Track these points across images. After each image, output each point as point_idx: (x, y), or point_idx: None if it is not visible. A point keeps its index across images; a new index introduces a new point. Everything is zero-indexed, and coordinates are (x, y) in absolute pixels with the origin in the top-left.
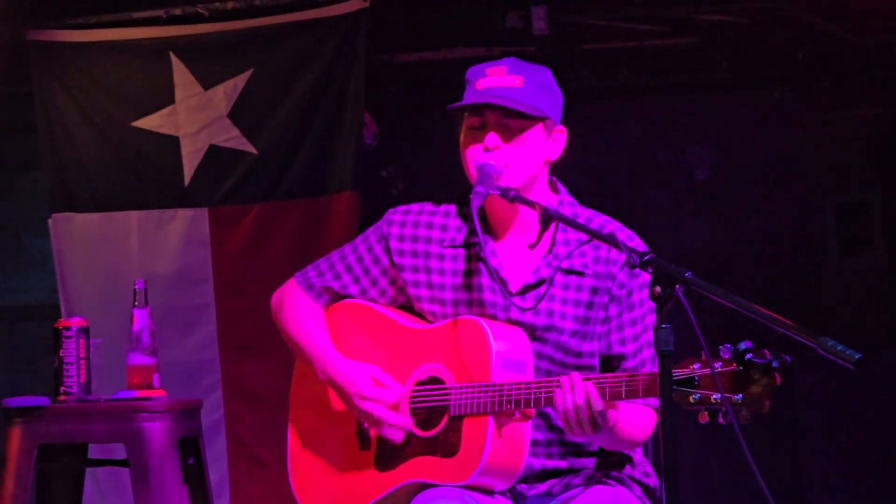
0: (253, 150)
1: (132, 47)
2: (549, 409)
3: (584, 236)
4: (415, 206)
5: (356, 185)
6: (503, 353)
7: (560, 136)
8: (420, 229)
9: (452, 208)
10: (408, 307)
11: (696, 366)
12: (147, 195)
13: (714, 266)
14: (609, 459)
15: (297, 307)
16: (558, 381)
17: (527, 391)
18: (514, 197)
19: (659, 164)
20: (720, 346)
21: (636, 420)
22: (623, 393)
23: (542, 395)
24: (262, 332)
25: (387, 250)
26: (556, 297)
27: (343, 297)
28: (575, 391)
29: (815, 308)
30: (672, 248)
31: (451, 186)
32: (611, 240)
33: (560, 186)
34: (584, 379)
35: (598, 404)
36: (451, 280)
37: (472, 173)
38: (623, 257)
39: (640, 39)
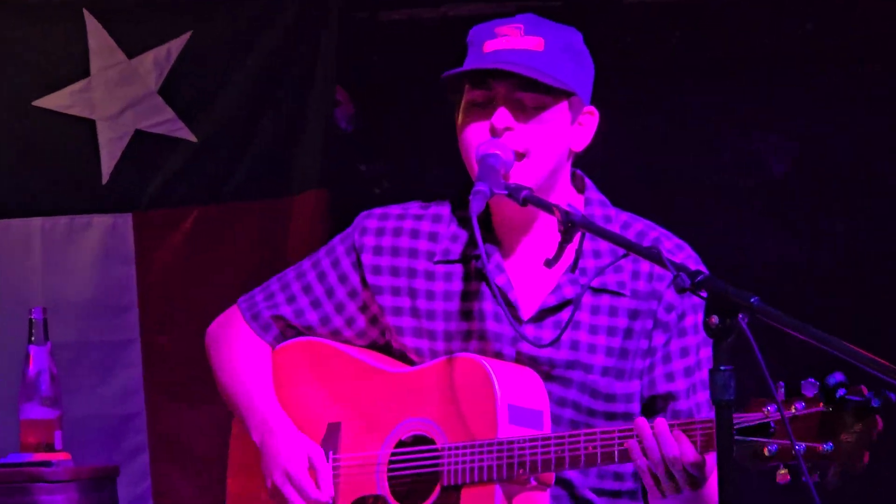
0: (191, 136)
1: (34, 2)
2: (573, 474)
3: (622, 250)
4: (395, 209)
5: (326, 183)
6: (512, 401)
7: (590, 119)
8: (402, 239)
9: (445, 211)
10: (382, 346)
11: (770, 408)
12: (53, 196)
13: (792, 289)
14: None
15: (233, 343)
16: (635, 428)
17: (545, 449)
18: (526, 198)
19: (722, 157)
20: (803, 382)
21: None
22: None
23: (588, 451)
24: (203, 375)
25: (358, 266)
26: (584, 325)
27: (299, 332)
28: (662, 441)
29: None
30: (738, 266)
31: (453, 185)
32: (653, 255)
33: (588, 183)
34: (670, 426)
35: (691, 454)
36: (442, 306)
37: (474, 164)
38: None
39: None
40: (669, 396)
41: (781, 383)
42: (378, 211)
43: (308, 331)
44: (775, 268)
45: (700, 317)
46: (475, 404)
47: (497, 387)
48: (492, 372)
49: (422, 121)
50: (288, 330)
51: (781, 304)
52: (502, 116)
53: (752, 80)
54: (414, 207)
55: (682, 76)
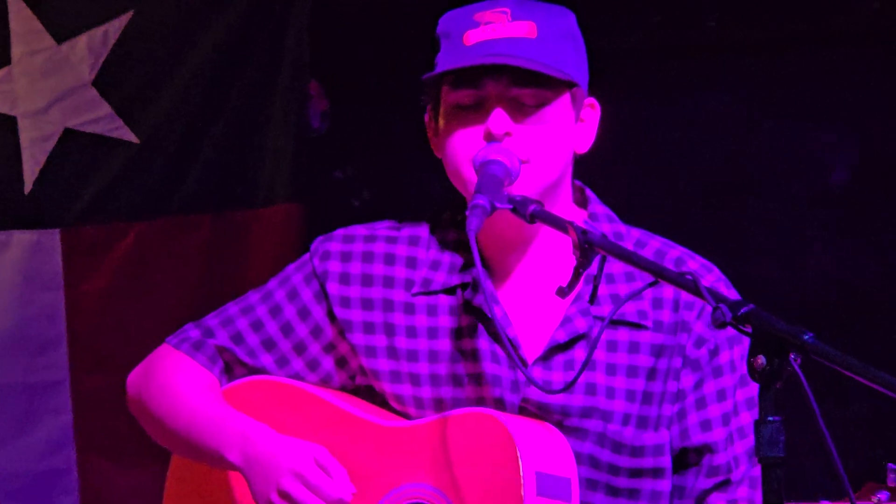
0: (133, 137)
1: None
2: None
3: (641, 273)
4: (360, 230)
5: (297, 194)
6: (540, 467)
7: (591, 114)
8: (375, 265)
9: (423, 232)
10: (351, 391)
11: (881, 496)
12: None
13: (854, 321)
14: None
15: (171, 375)
16: None
17: None
18: (535, 214)
19: (766, 162)
20: None
21: None
22: None
23: None
24: None
25: (323, 297)
26: (600, 364)
27: (249, 372)
28: None
29: None
30: (788, 294)
31: (450, 195)
32: (688, 284)
33: (590, 194)
34: None
35: None
36: (427, 344)
37: (465, 175)
38: (699, 300)
39: None
40: (706, 448)
41: (892, 466)
42: (340, 233)
43: (261, 373)
44: (835, 295)
45: (736, 352)
46: (493, 471)
47: (521, 450)
48: (514, 432)
49: (409, 118)
50: (237, 366)
51: (844, 340)
52: (500, 119)
53: (806, 64)
54: (383, 228)
55: (717, 59)
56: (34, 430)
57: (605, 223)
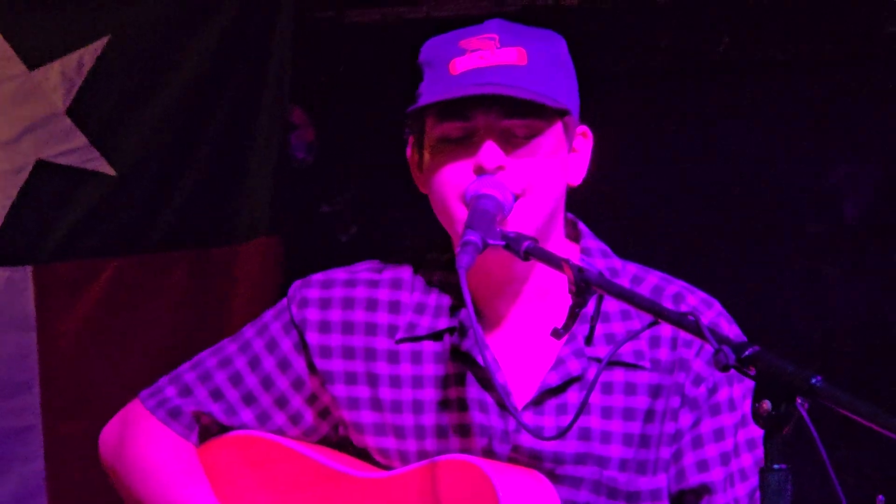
0: (109, 169)
1: None
2: None
3: (639, 311)
4: (340, 274)
5: (277, 228)
6: None
7: (584, 143)
8: (356, 312)
9: (405, 274)
10: (335, 443)
11: None
12: None
13: (873, 363)
14: None
15: (146, 443)
16: None
17: None
18: (529, 251)
19: (781, 194)
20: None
21: None
22: None
23: None
24: None
25: (302, 348)
26: (595, 408)
27: (227, 428)
28: None
29: None
30: (800, 332)
31: (437, 232)
32: (690, 325)
33: (582, 228)
34: None
35: None
36: (411, 394)
37: (454, 212)
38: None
39: None
40: (703, 489)
41: (881, 498)
42: (317, 277)
43: (240, 429)
44: (849, 336)
45: (736, 390)
46: None
47: (501, 499)
48: (496, 480)
49: (401, 149)
50: (216, 428)
51: (858, 384)
52: (491, 153)
53: (823, 91)
54: (364, 272)
55: (722, 83)
56: (3, 478)
57: (600, 259)
